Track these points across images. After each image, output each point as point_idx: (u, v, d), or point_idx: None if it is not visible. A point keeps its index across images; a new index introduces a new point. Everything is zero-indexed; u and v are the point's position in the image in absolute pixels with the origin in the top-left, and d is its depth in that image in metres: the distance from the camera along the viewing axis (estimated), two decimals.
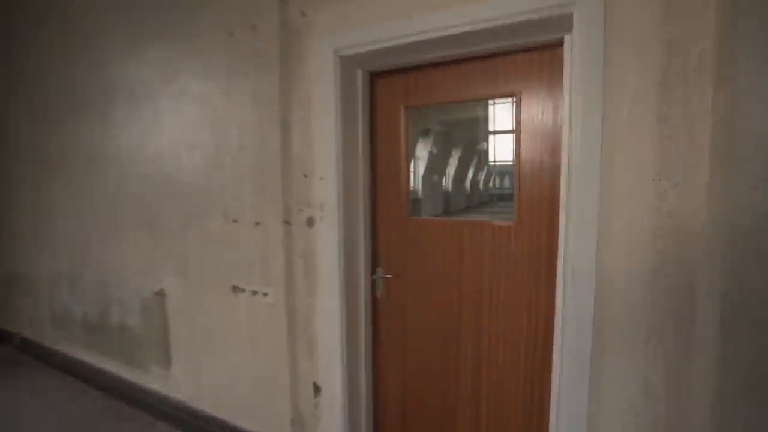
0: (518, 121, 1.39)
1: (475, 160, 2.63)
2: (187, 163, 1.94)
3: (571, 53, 1.18)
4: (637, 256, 1.09)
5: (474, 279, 1.50)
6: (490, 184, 2.40)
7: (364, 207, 1.63)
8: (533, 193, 1.38)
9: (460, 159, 2.63)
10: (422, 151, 2.56)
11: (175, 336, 2.12)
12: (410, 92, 1.57)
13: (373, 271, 1.69)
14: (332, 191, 1.53)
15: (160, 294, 2.13)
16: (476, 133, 2.05)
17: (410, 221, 1.62)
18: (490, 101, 1.92)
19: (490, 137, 1.86)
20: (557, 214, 1.29)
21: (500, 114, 1.68)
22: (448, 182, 2.67)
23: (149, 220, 2.13)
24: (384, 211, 1.67)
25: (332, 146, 1.52)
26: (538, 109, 1.36)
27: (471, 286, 1.51)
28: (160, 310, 2.15)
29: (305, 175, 1.61)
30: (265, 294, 1.75)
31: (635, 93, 1.07)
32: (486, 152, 1.98)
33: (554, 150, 1.33)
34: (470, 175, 2.67)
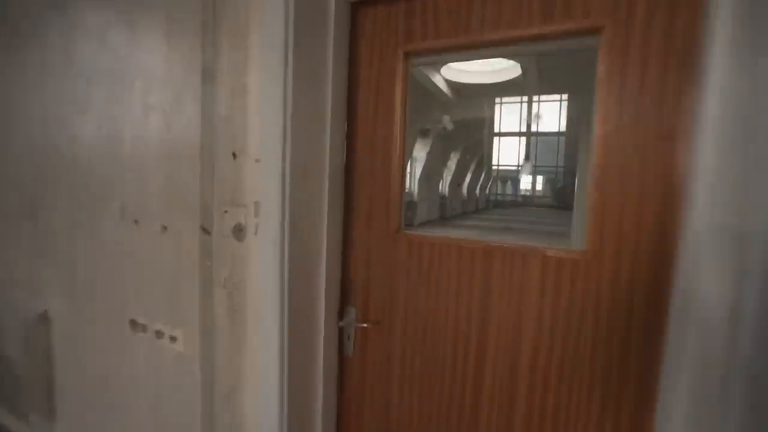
0: (601, 80, 0.78)
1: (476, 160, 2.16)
2: (78, 131, 1.31)
3: None
4: None
5: (507, 347, 0.90)
6: (487, 190, 1.99)
7: (330, 212, 1.01)
8: (626, 208, 0.77)
9: (458, 162, 2.14)
10: (419, 152, 2.05)
11: (61, 380, 1.49)
12: (414, 29, 0.95)
13: (341, 315, 1.08)
14: (274, 182, 0.91)
15: (44, 318, 1.50)
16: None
17: (403, 238, 1.01)
18: (497, 100, 1.47)
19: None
20: (675, 248, 0.69)
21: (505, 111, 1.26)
22: (444, 185, 2.16)
23: (30, 211, 1.49)
24: (362, 220, 1.06)
25: (278, 111, 0.90)
26: (640, 58, 0.75)
27: (501, 358, 0.91)
28: (44, 342, 1.51)
29: (234, 155, 0.99)
30: (173, 338, 1.14)
31: None
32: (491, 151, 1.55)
33: (672, 132, 0.72)
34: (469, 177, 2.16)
